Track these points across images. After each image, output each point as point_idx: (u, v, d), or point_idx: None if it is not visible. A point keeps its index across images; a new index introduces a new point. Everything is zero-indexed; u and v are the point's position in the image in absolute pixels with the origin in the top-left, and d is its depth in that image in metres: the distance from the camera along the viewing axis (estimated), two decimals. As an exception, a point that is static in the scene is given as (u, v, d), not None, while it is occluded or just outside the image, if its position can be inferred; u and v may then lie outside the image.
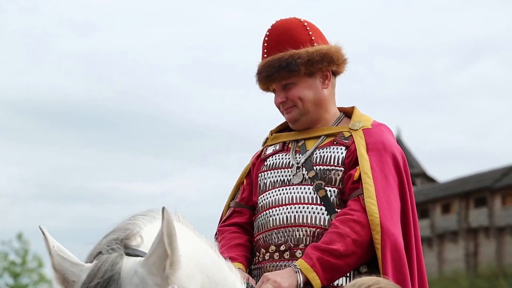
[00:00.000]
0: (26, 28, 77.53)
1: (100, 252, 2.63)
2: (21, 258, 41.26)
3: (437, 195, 50.93)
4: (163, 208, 2.52)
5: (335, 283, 3.60)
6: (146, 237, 2.67)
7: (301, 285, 3.46)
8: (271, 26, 3.89)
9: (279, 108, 3.89)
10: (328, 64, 3.81)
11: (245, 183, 3.98)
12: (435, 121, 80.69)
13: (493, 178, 48.36)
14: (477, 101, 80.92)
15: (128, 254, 2.62)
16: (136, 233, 2.69)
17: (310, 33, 3.85)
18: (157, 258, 2.55)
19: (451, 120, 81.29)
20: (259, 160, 3.95)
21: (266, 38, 3.87)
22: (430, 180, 56.20)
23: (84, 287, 2.55)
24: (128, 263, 2.58)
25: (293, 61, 3.75)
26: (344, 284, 3.60)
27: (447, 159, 79.39)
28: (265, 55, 3.85)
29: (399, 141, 56.24)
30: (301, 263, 3.50)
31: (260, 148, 4.04)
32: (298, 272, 3.47)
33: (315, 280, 3.47)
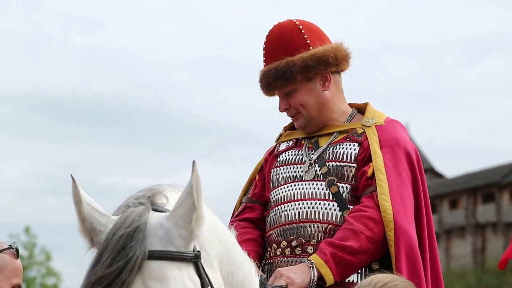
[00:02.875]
0: (36, 24, 77.63)
1: (128, 206, 2.65)
2: (28, 251, 41.33)
3: (445, 191, 50.87)
4: (194, 161, 2.54)
5: (348, 279, 3.60)
6: (171, 199, 2.70)
7: (315, 280, 3.46)
8: (268, 32, 3.87)
9: (284, 113, 3.89)
10: (325, 67, 3.78)
11: (257, 178, 3.99)
12: (444, 117, 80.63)
13: (501, 174, 48.28)
14: (485, 97, 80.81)
15: (154, 210, 2.63)
16: (162, 192, 2.72)
17: (306, 36, 3.80)
18: (185, 210, 2.56)
19: (459, 116, 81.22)
20: (272, 156, 3.95)
21: (264, 46, 3.86)
22: (438, 175, 56.13)
23: (110, 235, 2.56)
24: (154, 216, 2.59)
25: (288, 70, 3.73)
26: (356, 280, 3.60)
27: (455, 155, 79.34)
28: (264, 64, 3.85)
29: (407, 136, 56.40)
30: (315, 258, 3.50)
31: (274, 144, 4.04)
32: (312, 267, 3.47)
33: (328, 276, 3.48)
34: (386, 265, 3.57)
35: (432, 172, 55.80)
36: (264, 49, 3.86)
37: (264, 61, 3.85)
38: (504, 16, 79.72)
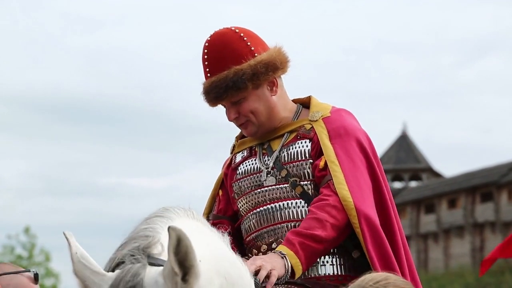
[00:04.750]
0: (35, 24, 77.60)
1: (122, 262, 2.63)
2: (28, 252, 41.28)
3: (444, 190, 50.83)
4: (169, 227, 2.50)
5: (324, 273, 3.64)
6: (166, 244, 2.63)
7: (289, 270, 3.44)
8: (207, 42, 3.80)
9: (233, 122, 3.85)
10: (273, 72, 3.76)
11: (220, 194, 3.97)
12: (442, 117, 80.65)
13: (500, 173, 48.26)
14: (483, 97, 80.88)
15: (151, 264, 2.61)
16: (157, 241, 2.67)
17: (249, 43, 3.76)
18: (168, 273, 2.54)
19: (457, 116, 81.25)
20: (231, 169, 3.93)
21: (206, 56, 3.79)
22: (436, 175, 56.11)
23: None
24: (150, 273, 2.57)
25: (239, 79, 3.69)
26: (332, 273, 3.64)
27: (454, 154, 79.35)
28: (208, 74, 3.78)
29: (405, 136, 56.40)
30: (284, 248, 3.48)
31: (229, 156, 4.02)
32: (285, 258, 3.44)
33: (297, 267, 3.46)
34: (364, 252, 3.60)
35: (430, 171, 55.79)
36: (206, 59, 3.78)
37: (208, 72, 3.77)
38: (502, 15, 79.84)
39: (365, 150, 3.75)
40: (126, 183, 70.85)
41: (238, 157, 3.93)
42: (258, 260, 3.40)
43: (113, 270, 2.64)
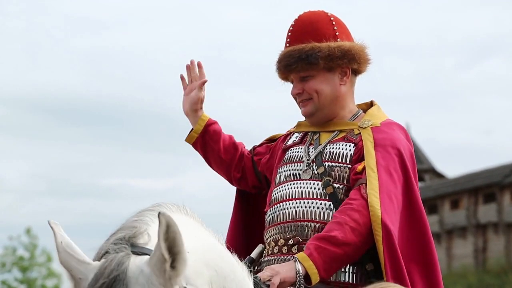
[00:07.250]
0: (38, 25, 77.66)
1: (107, 252, 2.61)
2: (29, 252, 41.35)
3: (446, 191, 50.81)
4: (159, 213, 2.49)
5: (341, 279, 3.61)
6: (154, 235, 2.64)
7: (301, 273, 3.38)
8: (298, 17, 3.92)
9: (295, 99, 3.90)
10: (348, 62, 3.82)
11: (265, 144, 4.14)
12: (444, 118, 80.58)
13: (502, 174, 48.23)
14: (485, 98, 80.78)
15: (135, 253, 2.60)
16: (144, 231, 2.66)
17: (335, 28, 3.86)
18: (157, 260, 2.52)
19: (460, 117, 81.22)
20: (282, 149, 3.98)
21: (291, 28, 3.90)
22: (439, 175, 56.10)
23: (90, 287, 2.54)
24: (135, 262, 2.56)
25: (313, 54, 3.77)
26: (349, 281, 3.59)
27: (456, 155, 79.33)
28: (287, 45, 3.88)
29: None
30: (298, 254, 3.47)
31: (290, 130, 4.06)
32: (296, 260, 3.41)
33: (312, 269, 3.41)
34: (380, 267, 3.55)
35: (433, 172, 55.78)
36: (290, 31, 3.90)
37: (288, 42, 3.88)
38: (503, 17, 79.77)
39: (406, 167, 3.72)
40: (128, 184, 70.82)
41: (291, 140, 3.97)
42: (268, 268, 3.40)
43: (99, 260, 2.63)
